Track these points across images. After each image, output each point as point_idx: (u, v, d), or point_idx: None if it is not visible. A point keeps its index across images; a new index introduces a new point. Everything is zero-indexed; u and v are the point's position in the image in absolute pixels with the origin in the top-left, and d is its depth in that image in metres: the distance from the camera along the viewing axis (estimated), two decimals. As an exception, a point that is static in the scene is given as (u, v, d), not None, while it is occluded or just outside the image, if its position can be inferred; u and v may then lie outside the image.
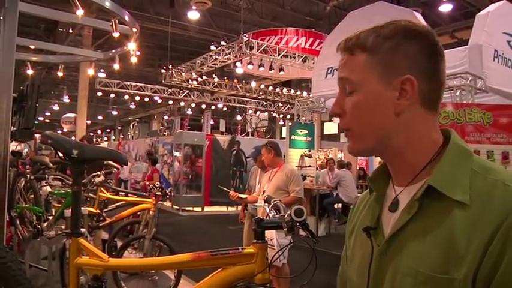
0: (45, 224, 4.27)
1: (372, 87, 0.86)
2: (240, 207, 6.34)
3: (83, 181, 4.91)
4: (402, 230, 0.83)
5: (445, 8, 14.68)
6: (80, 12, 6.17)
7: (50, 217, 4.41)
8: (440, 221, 0.78)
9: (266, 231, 1.63)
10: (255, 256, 1.60)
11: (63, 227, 4.32)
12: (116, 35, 6.11)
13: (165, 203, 5.52)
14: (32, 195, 4.47)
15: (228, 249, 1.63)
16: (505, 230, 0.71)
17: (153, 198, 4.65)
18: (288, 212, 1.40)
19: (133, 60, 8.40)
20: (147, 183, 8.82)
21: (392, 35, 0.86)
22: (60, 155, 2.04)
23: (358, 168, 14.19)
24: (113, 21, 5.91)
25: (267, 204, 1.81)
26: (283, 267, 4.44)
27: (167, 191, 4.76)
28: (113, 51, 7.18)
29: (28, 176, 4.43)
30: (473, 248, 0.73)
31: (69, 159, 2.04)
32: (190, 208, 14.00)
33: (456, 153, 0.84)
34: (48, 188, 4.66)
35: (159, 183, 4.97)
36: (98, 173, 4.95)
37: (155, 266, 2.04)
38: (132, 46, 6.60)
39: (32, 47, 7.15)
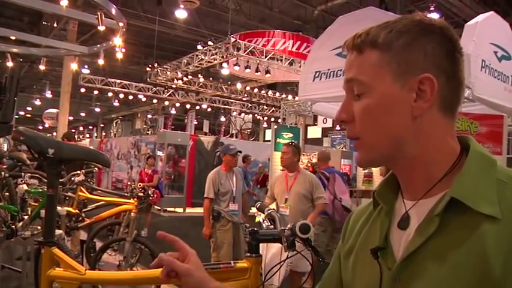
0: (20, 223, 4.09)
1: (385, 88, 0.75)
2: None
3: (62, 180, 4.75)
4: (418, 250, 0.72)
5: (432, 16, 14.74)
6: (64, 2, 5.98)
7: (26, 217, 4.23)
8: (465, 239, 0.68)
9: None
10: (248, 271, 1.45)
11: (39, 227, 4.15)
12: (101, 28, 5.95)
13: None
14: (7, 193, 4.28)
15: (219, 263, 1.50)
16: None
17: (135, 199, 4.49)
18: (289, 226, 1.27)
19: (119, 56, 8.24)
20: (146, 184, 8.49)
21: (407, 29, 0.76)
22: (35, 154, 1.84)
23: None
24: (98, 13, 5.74)
25: (260, 213, 1.67)
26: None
27: (150, 192, 4.60)
28: (98, 46, 7.01)
29: (3, 173, 4.24)
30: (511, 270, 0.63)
31: (44, 159, 1.84)
32: (172, 209, 13.81)
33: (479, 162, 0.74)
34: (25, 186, 4.48)
35: (141, 184, 4.83)
36: (78, 172, 4.79)
37: (138, 280, 1.86)
38: (117, 41, 6.45)
39: (13, 38, 6.93)
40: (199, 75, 19.38)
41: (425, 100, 0.74)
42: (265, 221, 1.55)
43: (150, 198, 4.60)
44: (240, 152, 5.42)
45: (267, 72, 15.44)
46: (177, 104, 24.59)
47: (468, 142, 0.78)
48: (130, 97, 23.16)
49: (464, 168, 0.73)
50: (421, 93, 0.74)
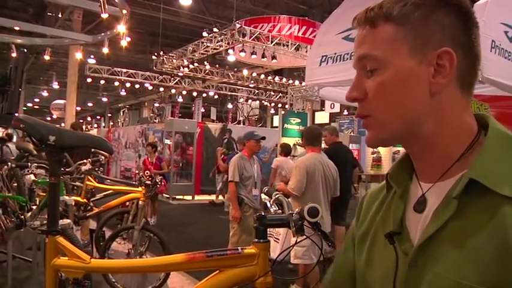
0: (29, 214, 4.10)
1: (401, 63, 0.72)
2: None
3: (69, 169, 4.74)
4: (436, 234, 0.68)
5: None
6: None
7: (34, 207, 4.24)
8: (485, 223, 0.64)
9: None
10: (256, 257, 1.42)
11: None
12: (104, 16, 5.89)
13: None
14: (16, 184, 4.29)
15: (226, 249, 1.46)
16: None
17: (143, 188, 4.47)
18: (297, 210, 1.24)
19: (123, 43, 8.18)
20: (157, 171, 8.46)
21: (423, 2, 0.72)
22: (36, 142, 1.79)
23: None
24: (101, 1, 5.68)
25: (267, 197, 1.64)
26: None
27: (157, 180, 4.58)
28: (102, 34, 6.96)
29: (10, 163, 4.23)
30: None
31: (45, 146, 1.79)
32: (181, 197, 13.85)
33: (499, 141, 0.70)
34: (32, 177, 4.48)
35: (148, 172, 4.81)
36: (85, 161, 4.78)
37: (145, 268, 1.82)
38: (121, 29, 6.39)
39: (17, 28, 6.91)
40: (206, 63, 19.34)
41: (444, 75, 0.71)
42: (272, 206, 1.52)
43: (158, 186, 4.58)
44: (264, 138, 5.35)
45: (273, 57, 15.34)
46: (184, 92, 24.56)
47: (486, 120, 0.74)
48: (137, 86, 23.18)
49: (484, 148, 0.70)
50: (440, 68, 0.71)
